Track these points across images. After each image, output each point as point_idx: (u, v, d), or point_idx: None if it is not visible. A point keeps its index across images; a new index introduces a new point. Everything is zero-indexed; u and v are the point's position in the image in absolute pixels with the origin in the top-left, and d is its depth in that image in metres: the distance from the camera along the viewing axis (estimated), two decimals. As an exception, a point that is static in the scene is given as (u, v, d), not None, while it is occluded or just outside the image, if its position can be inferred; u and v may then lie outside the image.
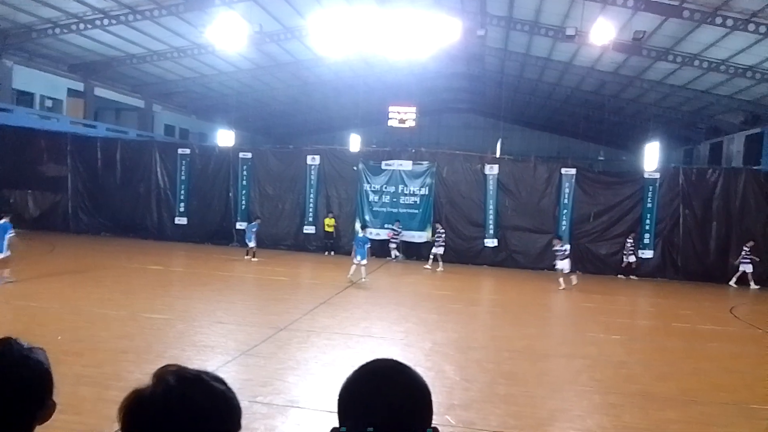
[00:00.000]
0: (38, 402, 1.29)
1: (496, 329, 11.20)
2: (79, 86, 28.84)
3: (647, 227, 19.72)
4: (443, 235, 19.14)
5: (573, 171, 20.22)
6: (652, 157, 22.14)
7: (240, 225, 21.87)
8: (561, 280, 16.07)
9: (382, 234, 20.94)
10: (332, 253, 20.89)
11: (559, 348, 9.74)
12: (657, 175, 19.97)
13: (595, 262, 19.92)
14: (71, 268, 14.46)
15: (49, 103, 28.06)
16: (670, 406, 6.88)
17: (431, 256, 18.84)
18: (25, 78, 25.74)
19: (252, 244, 18.28)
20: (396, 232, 20.58)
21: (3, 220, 11.76)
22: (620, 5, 17.83)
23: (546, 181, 20.32)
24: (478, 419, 6.14)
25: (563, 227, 19.98)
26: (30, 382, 1.28)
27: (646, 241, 19.72)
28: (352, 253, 14.94)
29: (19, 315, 9.44)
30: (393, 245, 20.52)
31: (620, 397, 7.14)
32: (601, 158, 39.37)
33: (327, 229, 21.03)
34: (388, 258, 20.20)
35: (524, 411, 6.52)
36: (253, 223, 19.11)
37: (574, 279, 16.26)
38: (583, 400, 7.02)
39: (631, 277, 19.38)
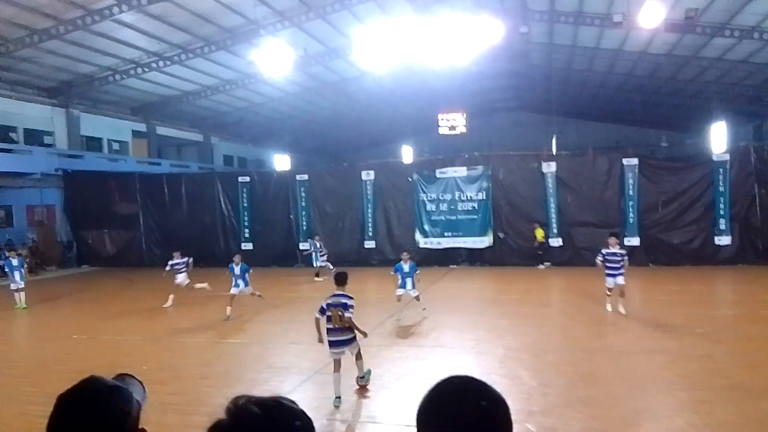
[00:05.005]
0: None
1: (569, 330, 10.91)
2: (142, 127, 30.42)
3: (721, 212, 18.72)
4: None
5: (635, 160, 19.50)
6: (719, 137, 21.02)
7: (303, 246, 22.29)
8: (620, 299, 11.77)
9: (444, 243, 20.84)
10: (547, 264, 19.79)
11: (638, 344, 9.38)
12: (727, 156, 18.93)
13: (669, 253, 19.09)
14: (149, 301, 15.15)
15: (116, 146, 29.76)
16: (764, 398, 6.52)
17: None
18: (92, 124, 27.38)
19: (317, 264, 18.54)
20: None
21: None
22: (668, -16, 17.23)
23: (607, 173, 19.69)
24: (560, 424, 6.00)
25: (630, 219, 19.29)
26: (114, 417, 1.34)
27: (722, 226, 18.72)
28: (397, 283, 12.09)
29: (105, 349, 9.95)
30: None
31: (709, 392, 6.82)
32: (664, 144, 37.87)
33: (540, 240, 19.82)
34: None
35: (607, 413, 6.32)
36: (314, 242, 19.18)
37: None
38: (669, 397, 6.73)
39: None
